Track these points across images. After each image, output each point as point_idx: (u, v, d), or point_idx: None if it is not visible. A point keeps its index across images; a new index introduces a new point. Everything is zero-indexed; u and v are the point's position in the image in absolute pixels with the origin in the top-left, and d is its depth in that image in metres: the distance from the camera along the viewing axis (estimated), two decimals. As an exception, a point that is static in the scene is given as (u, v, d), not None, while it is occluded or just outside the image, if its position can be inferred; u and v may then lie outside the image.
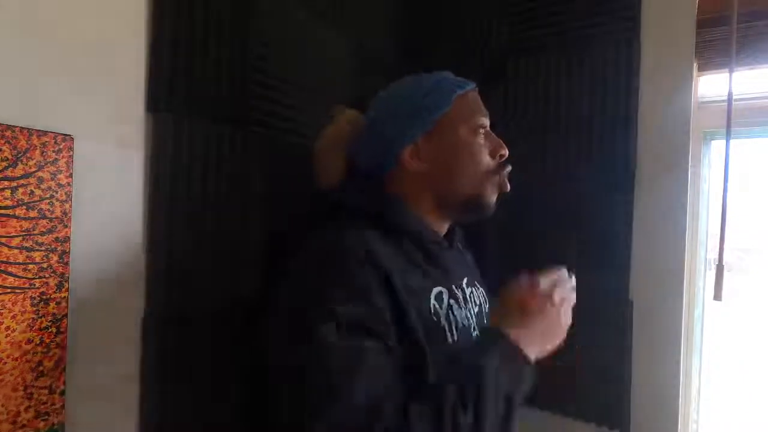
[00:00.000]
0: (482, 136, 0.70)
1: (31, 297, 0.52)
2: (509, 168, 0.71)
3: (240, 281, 0.76)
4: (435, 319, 0.62)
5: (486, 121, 0.71)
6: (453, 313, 0.65)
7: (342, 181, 0.73)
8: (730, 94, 0.92)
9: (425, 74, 0.73)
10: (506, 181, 0.71)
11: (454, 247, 0.76)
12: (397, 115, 0.70)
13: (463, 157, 0.69)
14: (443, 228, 0.74)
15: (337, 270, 0.58)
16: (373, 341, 0.54)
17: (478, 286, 0.77)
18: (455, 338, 0.64)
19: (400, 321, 0.58)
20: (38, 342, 0.53)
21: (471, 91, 0.72)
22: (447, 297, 0.66)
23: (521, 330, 0.58)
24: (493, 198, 0.70)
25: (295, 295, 0.59)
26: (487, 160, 0.70)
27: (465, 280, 0.73)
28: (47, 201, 0.53)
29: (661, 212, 0.95)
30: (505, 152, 0.71)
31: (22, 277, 0.52)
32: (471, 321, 0.69)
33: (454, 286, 0.69)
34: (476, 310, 0.72)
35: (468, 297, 0.71)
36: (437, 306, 0.63)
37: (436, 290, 0.65)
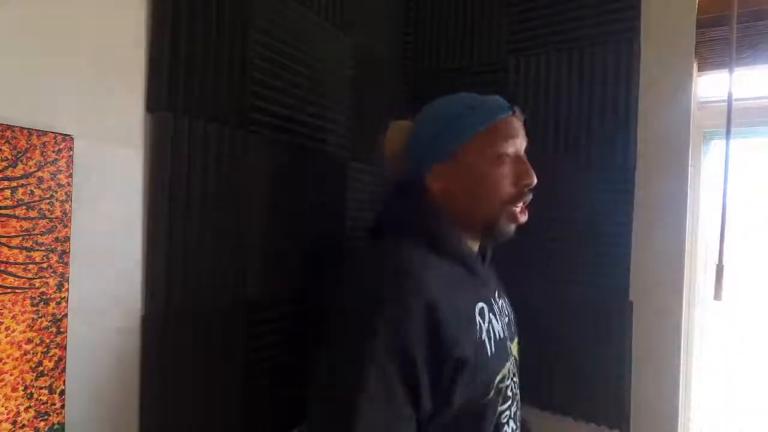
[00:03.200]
0: (506, 165, 0.69)
1: (31, 297, 0.52)
2: (530, 196, 0.69)
3: (240, 281, 0.76)
4: (478, 336, 0.63)
5: (512, 149, 0.69)
6: (492, 326, 0.67)
7: (387, 198, 0.76)
8: (730, 94, 0.92)
9: (468, 96, 0.73)
10: (523, 211, 0.70)
11: (485, 261, 0.77)
12: (423, 139, 0.71)
13: (481, 187, 0.69)
14: (476, 245, 0.75)
15: (388, 313, 0.58)
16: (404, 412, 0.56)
17: (505, 297, 0.78)
18: (493, 351, 0.65)
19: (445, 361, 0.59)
20: (38, 342, 0.53)
21: (504, 118, 0.70)
22: (487, 311, 0.67)
23: None
24: (507, 227, 0.70)
25: (347, 327, 0.61)
26: (506, 190, 0.69)
27: (496, 293, 0.74)
28: (47, 201, 0.53)
29: (661, 212, 0.95)
30: (530, 181, 0.69)
31: (22, 277, 0.52)
32: (505, 333, 0.70)
33: (492, 299, 0.70)
34: (506, 321, 0.73)
35: (500, 309, 0.73)
36: (480, 321, 0.65)
37: (479, 306, 0.66)
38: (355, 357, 0.56)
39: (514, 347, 0.75)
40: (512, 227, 0.70)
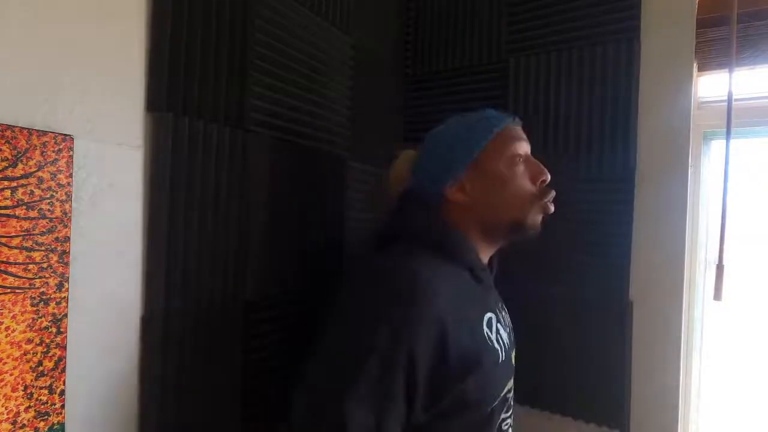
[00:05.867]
0: (521, 165, 0.73)
1: (31, 297, 0.52)
2: (553, 193, 0.73)
3: (240, 281, 0.76)
4: (489, 344, 0.65)
5: (523, 149, 0.73)
6: (500, 336, 0.69)
7: (394, 211, 0.77)
8: (730, 94, 0.92)
9: (468, 114, 0.77)
10: (550, 204, 0.74)
11: (492, 273, 0.80)
12: (439, 155, 0.75)
13: (502, 188, 0.72)
14: (488, 255, 0.77)
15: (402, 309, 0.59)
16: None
17: (504, 307, 0.80)
18: (503, 359, 0.67)
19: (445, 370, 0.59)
20: (38, 342, 0.53)
21: (508, 125, 0.75)
22: (495, 321, 0.69)
23: None
24: (537, 220, 0.73)
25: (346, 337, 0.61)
26: (527, 186, 0.72)
27: (500, 304, 0.77)
28: (47, 201, 0.53)
29: (661, 212, 0.95)
30: (546, 177, 0.73)
31: (22, 277, 0.52)
32: (510, 342, 0.74)
33: (497, 309, 0.73)
34: (508, 331, 0.75)
35: (504, 320, 0.75)
36: (488, 331, 0.67)
37: (487, 316, 0.68)
38: (356, 356, 0.57)
39: (513, 357, 0.77)
40: (539, 220, 0.73)
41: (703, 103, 1.04)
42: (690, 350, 1.03)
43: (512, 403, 0.73)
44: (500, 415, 0.67)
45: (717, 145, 1.06)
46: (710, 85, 1.04)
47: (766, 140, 1.05)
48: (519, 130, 0.76)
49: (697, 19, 0.93)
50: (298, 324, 0.87)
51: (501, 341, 0.68)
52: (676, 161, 0.95)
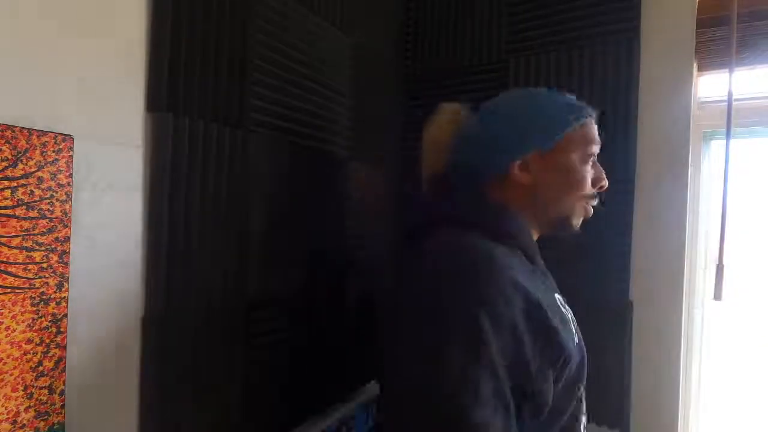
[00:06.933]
0: (590, 164, 0.71)
1: (31, 297, 0.52)
2: (598, 199, 0.73)
3: (240, 281, 0.76)
4: (568, 324, 0.63)
5: (595, 150, 0.71)
6: (568, 325, 0.65)
7: (438, 189, 0.73)
8: (730, 94, 0.92)
9: (550, 91, 0.73)
10: (591, 207, 0.73)
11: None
12: (516, 126, 0.69)
13: (571, 182, 0.69)
14: (535, 238, 0.75)
15: (491, 287, 0.55)
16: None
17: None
18: (577, 342, 0.64)
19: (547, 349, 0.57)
20: (38, 342, 0.53)
21: (591, 117, 0.72)
22: (562, 303, 0.67)
23: None
24: (579, 221, 0.72)
25: (433, 319, 0.55)
26: (588, 187, 0.71)
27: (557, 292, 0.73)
28: (47, 201, 0.53)
29: (661, 212, 0.95)
30: (605, 184, 0.72)
31: (22, 277, 0.52)
32: (577, 331, 0.68)
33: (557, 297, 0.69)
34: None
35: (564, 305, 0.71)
36: (565, 312, 0.65)
37: (558, 297, 0.66)
38: (466, 354, 0.52)
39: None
40: (580, 221, 0.72)
41: (703, 103, 1.04)
42: (690, 350, 1.03)
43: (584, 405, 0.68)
44: (580, 414, 0.64)
45: (717, 145, 1.06)
46: (710, 85, 1.04)
47: (766, 140, 1.05)
48: (595, 127, 0.73)
49: (697, 19, 0.93)
50: (300, 324, 0.87)
51: (570, 323, 0.65)
52: (676, 161, 0.95)
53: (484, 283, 0.55)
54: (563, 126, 0.68)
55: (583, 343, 0.68)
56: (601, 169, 0.73)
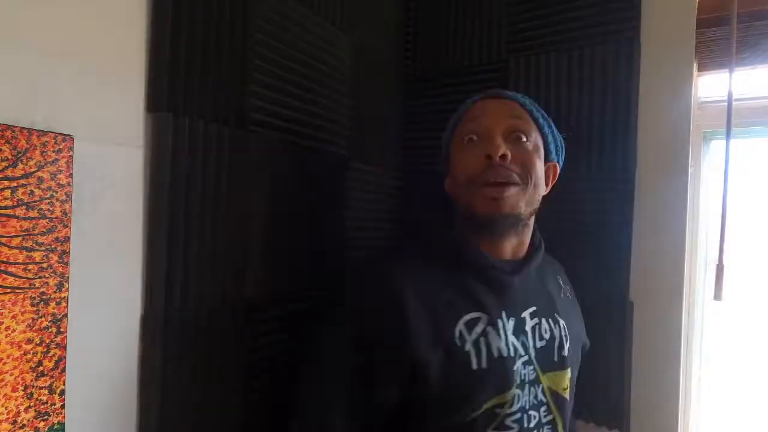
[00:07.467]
0: (473, 145, 0.68)
1: (31, 297, 0.52)
2: (500, 173, 0.65)
3: (240, 281, 0.76)
4: (459, 344, 0.63)
5: (480, 128, 0.68)
6: (487, 340, 0.64)
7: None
8: (730, 94, 0.92)
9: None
10: (487, 187, 0.66)
11: (523, 274, 0.71)
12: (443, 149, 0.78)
13: (455, 174, 0.71)
14: (505, 251, 0.71)
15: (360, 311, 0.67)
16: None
17: (558, 319, 0.73)
18: (483, 365, 0.63)
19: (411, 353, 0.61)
20: (38, 342, 0.53)
21: (479, 100, 0.71)
22: (484, 324, 0.65)
23: None
24: (484, 208, 0.66)
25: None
26: (468, 169, 0.67)
27: (531, 310, 0.70)
28: (47, 201, 0.53)
29: (661, 212, 0.95)
30: (489, 152, 0.65)
31: (22, 277, 0.52)
32: (518, 351, 0.66)
33: (504, 314, 0.67)
34: (541, 344, 0.69)
35: (527, 328, 0.68)
36: (465, 332, 0.64)
37: (468, 317, 0.65)
38: (321, 347, 0.65)
39: (547, 378, 0.69)
40: (487, 209, 0.66)
41: (703, 103, 1.04)
42: (690, 350, 1.03)
43: (525, 428, 0.65)
44: (486, 430, 0.63)
45: (717, 145, 1.06)
46: (710, 85, 1.04)
47: (766, 140, 1.05)
48: (489, 105, 0.69)
49: (697, 19, 0.93)
50: (300, 324, 0.87)
51: (482, 346, 0.63)
52: (676, 161, 0.95)
53: (353, 293, 0.74)
54: (451, 127, 0.73)
55: (514, 374, 0.64)
56: (493, 141, 0.65)
